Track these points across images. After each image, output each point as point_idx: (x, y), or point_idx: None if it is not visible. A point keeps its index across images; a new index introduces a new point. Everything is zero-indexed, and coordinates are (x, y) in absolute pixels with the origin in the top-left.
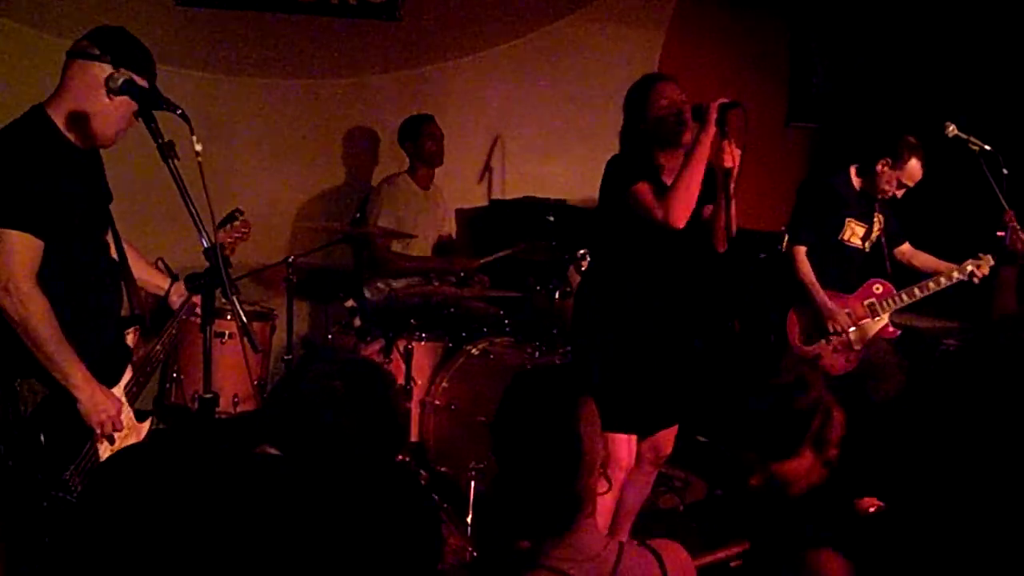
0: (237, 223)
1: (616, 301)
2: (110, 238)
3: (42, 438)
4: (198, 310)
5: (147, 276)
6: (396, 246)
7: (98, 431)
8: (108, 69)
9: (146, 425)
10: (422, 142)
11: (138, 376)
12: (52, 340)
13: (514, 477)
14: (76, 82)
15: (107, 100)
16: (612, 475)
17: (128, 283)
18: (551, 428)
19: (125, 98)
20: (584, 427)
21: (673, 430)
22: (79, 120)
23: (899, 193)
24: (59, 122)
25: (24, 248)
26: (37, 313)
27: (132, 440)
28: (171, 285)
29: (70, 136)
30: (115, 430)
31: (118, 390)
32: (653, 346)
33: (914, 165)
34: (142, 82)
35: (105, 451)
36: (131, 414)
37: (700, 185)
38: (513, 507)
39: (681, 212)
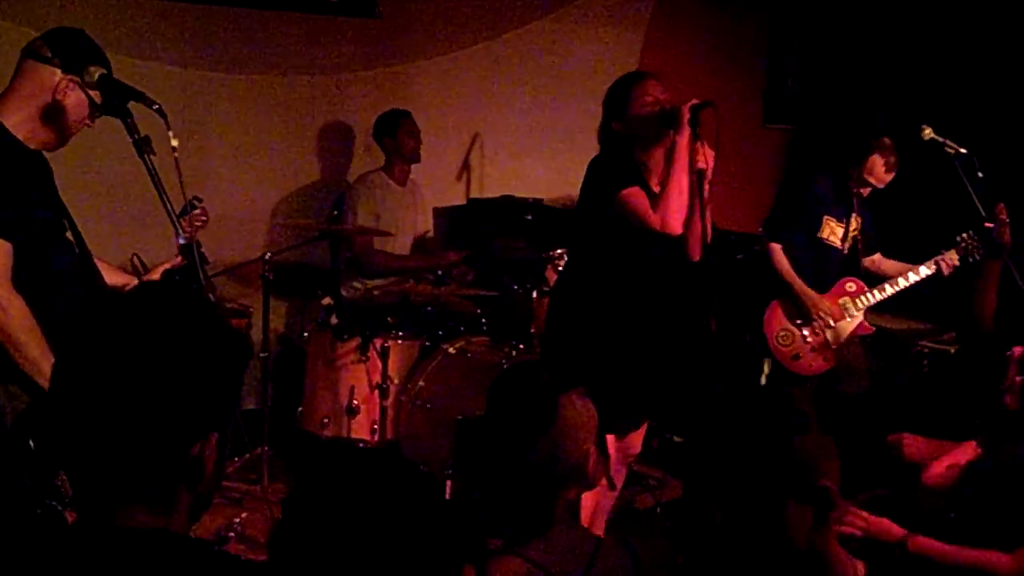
0: (196, 211)
1: (594, 302)
2: (71, 238)
3: (31, 444)
4: None
5: (112, 279)
6: (376, 244)
7: None
8: (58, 73)
9: None
10: (401, 138)
11: None
12: (31, 344)
13: (493, 475)
14: (26, 83)
15: (54, 103)
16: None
17: (98, 277)
18: (524, 428)
19: (74, 101)
20: (562, 429)
21: (643, 429)
22: (27, 121)
23: (864, 191)
24: (7, 122)
25: None
26: (16, 316)
27: None
28: (140, 280)
29: (19, 136)
30: None
31: None
32: (630, 347)
33: (875, 160)
34: (93, 92)
35: None
36: None
37: (687, 189)
38: (492, 506)
39: (676, 217)
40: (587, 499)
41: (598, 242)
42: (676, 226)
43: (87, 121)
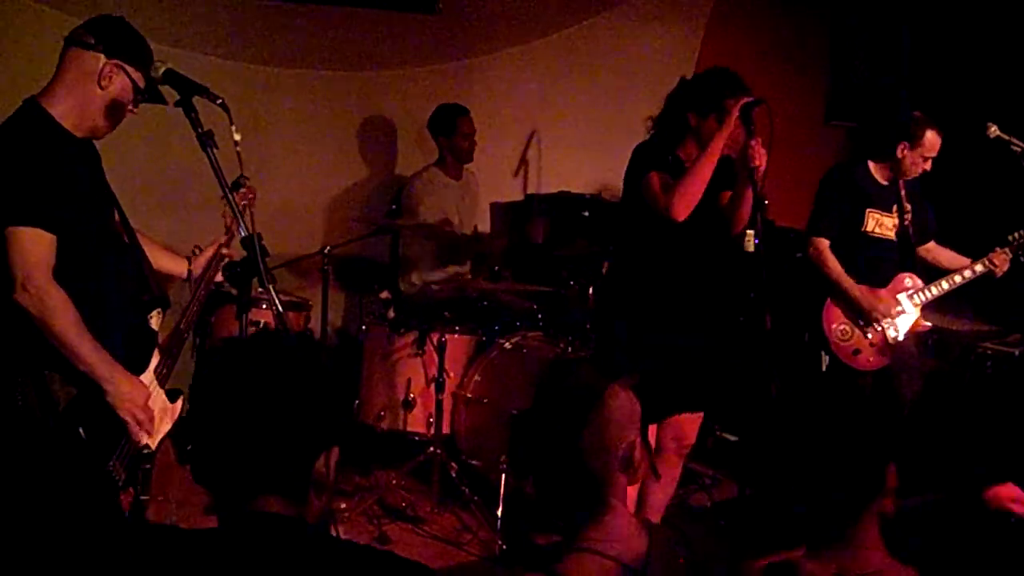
0: (243, 190)
1: (631, 288)
2: (119, 225)
3: (81, 432)
4: (217, 284)
5: (165, 263)
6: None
7: (129, 421)
8: (101, 59)
9: (179, 405)
10: (456, 140)
11: (165, 358)
12: (74, 333)
13: (545, 468)
14: (70, 71)
15: (99, 90)
16: None
17: (145, 266)
18: (571, 419)
19: (118, 88)
20: (607, 419)
21: (696, 419)
22: (73, 109)
23: (927, 166)
24: (54, 112)
25: (36, 244)
26: (57, 308)
27: (166, 423)
28: (190, 265)
29: (66, 125)
30: (146, 418)
31: (147, 375)
32: (667, 332)
33: (930, 136)
34: (136, 75)
35: (142, 438)
36: (163, 396)
37: (707, 182)
38: (546, 498)
39: (682, 207)
40: (632, 492)
41: (633, 228)
42: (679, 214)
43: (131, 107)
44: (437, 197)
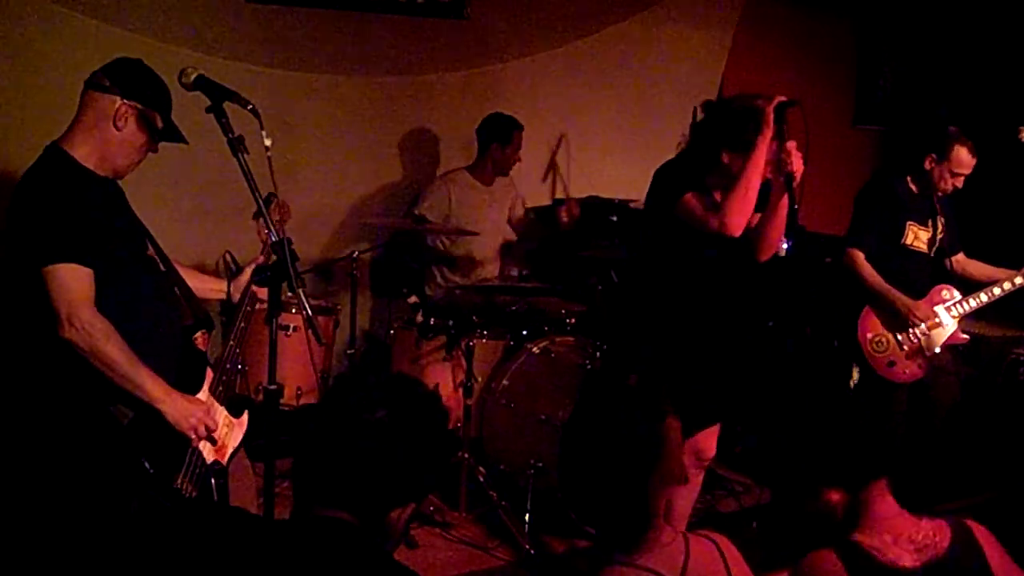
0: (272, 205)
1: (658, 310)
2: (154, 254)
3: (144, 460)
4: (260, 301)
5: (203, 284)
6: (459, 245)
7: (192, 436)
8: (117, 101)
9: (244, 418)
10: (508, 151)
11: (220, 376)
12: (123, 361)
13: (593, 480)
14: (88, 114)
15: (116, 132)
16: None
17: (183, 290)
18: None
19: (134, 127)
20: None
21: (713, 431)
22: (94, 151)
23: (958, 183)
24: (76, 155)
25: (75, 279)
26: (103, 338)
27: (236, 435)
28: (229, 284)
29: (88, 166)
30: (210, 431)
31: (203, 394)
32: (693, 347)
33: (960, 152)
34: (152, 115)
35: (209, 453)
36: (225, 412)
37: (757, 190)
38: (591, 510)
39: (738, 219)
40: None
41: (661, 246)
42: (736, 227)
43: (149, 146)
44: (450, 201)
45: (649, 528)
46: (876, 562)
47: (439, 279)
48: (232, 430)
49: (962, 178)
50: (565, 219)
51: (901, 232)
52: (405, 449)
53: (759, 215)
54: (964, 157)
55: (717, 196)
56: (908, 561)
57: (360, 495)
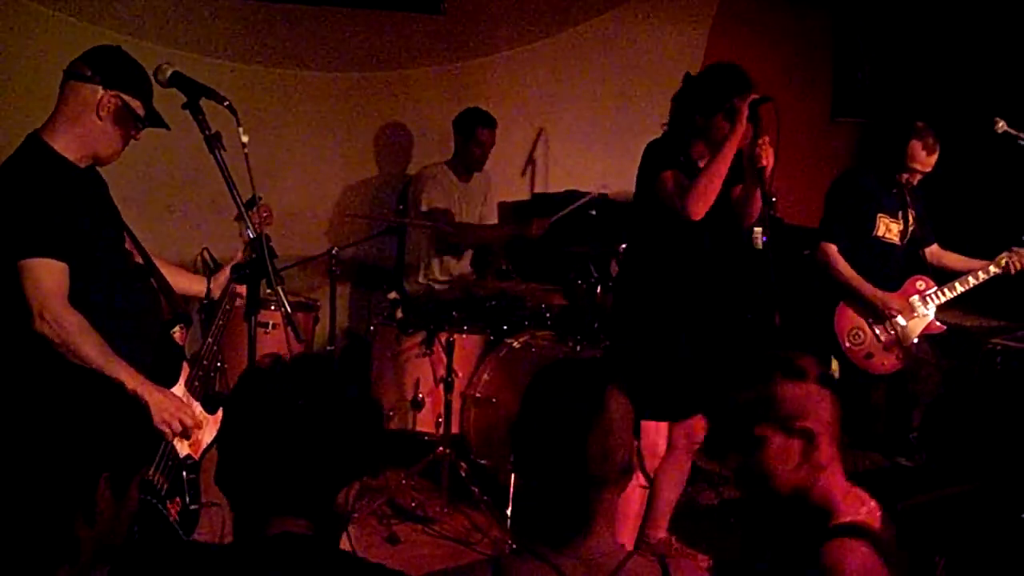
0: (255, 208)
1: (647, 286)
2: (131, 247)
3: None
4: (240, 298)
5: (182, 281)
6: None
7: (166, 431)
8: (99, 91)
9: (220, 415)
10: (469, 146)
11: (197, 371)
12: (96, 355)
13: (528, 478)
14: (69, 104)
15: (98, 121)
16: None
17: (160, 284)
18: (563, 434)
19: (117, 117)
20: (612, 422)
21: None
22: (74, 141)
23: (913, 179)
24: (56, 145)
25: (48, 273)
26: (75, 332)
27: (210, 430)
28: (208, 283)
29: (68, 156)
30: (185, 426)
31: (179, 388)
32: (684, 330)
33: (914, 147)
34: (134, 103)
35: (183, 448)
36: (199, 408)
37: (721, 181)
38: (526, 509)
39: (699, 206)
40: (640, 491)
41: (647, 226)
42: (695, 214)
43: (133, 134)
44: (441, 191)
45: (588, 527)
46: None
47: (419, 277)
48: (206, 425)
49: (919, 173)
50: (535, 231)
51: (872, 224)
52: (333, 429)
53: (739, 186)
54: (918, 152)
55: (702, 165)
56: None
57: (300, 489)
